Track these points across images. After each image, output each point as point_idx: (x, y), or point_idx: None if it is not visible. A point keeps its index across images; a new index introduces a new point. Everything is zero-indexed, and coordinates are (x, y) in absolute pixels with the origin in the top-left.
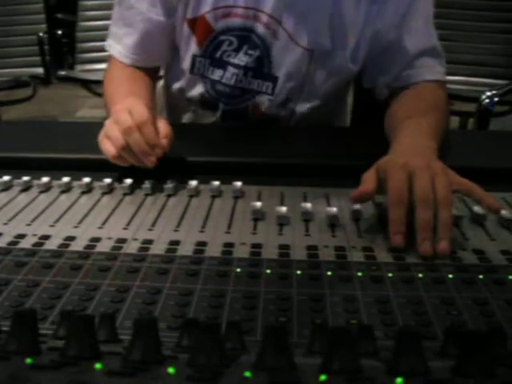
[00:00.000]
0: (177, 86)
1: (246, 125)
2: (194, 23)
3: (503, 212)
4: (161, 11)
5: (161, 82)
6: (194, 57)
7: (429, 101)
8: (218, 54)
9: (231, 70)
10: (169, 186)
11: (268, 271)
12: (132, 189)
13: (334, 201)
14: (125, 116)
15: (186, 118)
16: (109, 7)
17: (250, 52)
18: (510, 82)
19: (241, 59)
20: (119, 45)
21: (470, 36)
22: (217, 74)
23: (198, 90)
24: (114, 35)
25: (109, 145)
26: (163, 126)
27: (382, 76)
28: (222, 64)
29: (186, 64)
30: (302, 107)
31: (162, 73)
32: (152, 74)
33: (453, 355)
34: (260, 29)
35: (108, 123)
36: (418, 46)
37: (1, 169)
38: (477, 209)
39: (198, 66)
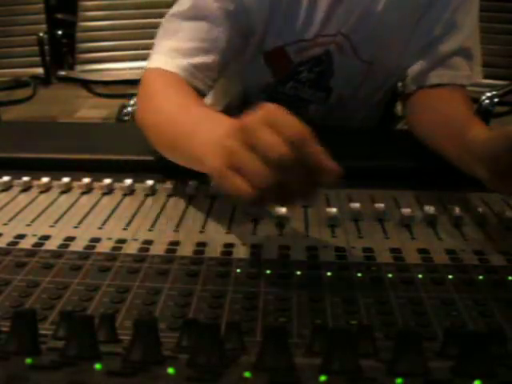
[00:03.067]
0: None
1: None
2: (270, 55)
3: None
4: (240, 33)
5: None
6: (269, 84)
7: (471, 109)
8: (294, 78)
9: (292, 83)
10: (169, 186)
11: (268, 272)
12: (132, 189)
13: (333, 201)
14: (266, 133)
15: None
16: (109, 7)
17: (315, 69)
18: (510, 83)
19: (305, 75)
20: (183, 59)
21: None
22: (287, 89)
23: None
24: (169, 50)
25: (241, 182)
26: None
27: (411, 69)
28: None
29: (256, 85)
30: (347, 115)
31: None
32: None
33: (453, 355)
34: (331, 47)
35: (229, 143)
36: (455, 44)
37: (1, 169)
38: (477, 209)
39: (271, 87)
